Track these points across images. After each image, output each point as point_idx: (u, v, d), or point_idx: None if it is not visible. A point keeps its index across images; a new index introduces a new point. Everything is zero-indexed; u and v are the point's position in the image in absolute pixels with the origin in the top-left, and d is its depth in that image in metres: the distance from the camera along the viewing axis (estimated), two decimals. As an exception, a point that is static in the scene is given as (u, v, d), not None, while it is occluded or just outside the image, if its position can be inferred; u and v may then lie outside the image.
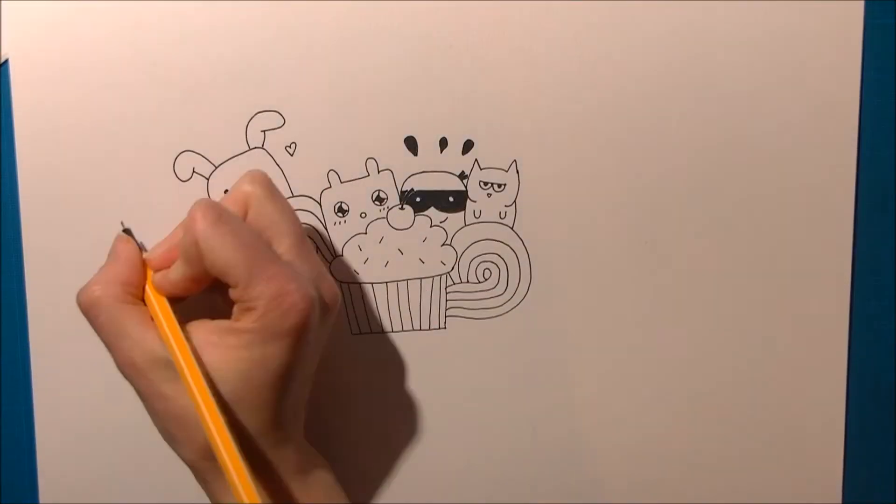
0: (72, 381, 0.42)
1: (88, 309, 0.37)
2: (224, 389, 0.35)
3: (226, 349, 0.35)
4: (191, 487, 0.43)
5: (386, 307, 0.43)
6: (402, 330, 0.43)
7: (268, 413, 0.36)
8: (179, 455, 0.37)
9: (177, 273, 0.37)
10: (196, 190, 0.41)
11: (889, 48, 0.41)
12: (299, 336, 0.35)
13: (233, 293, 0.35)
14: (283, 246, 0.37)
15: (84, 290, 0.37)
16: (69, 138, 0.41)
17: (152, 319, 0.36)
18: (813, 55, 0.41)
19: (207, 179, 0.41)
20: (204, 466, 0.36)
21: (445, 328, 0.43)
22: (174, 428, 0.36)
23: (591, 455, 0.44)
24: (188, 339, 0.35)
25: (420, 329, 0.43)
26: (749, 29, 0.41)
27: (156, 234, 0.40)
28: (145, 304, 0.37)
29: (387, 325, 0.43)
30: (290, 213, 0.38)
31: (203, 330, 0.36)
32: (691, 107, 0.42)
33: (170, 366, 0.35)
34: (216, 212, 0.35)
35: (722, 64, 0.42)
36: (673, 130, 0.42)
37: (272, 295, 0.34)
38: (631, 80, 0.42)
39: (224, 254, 0.35)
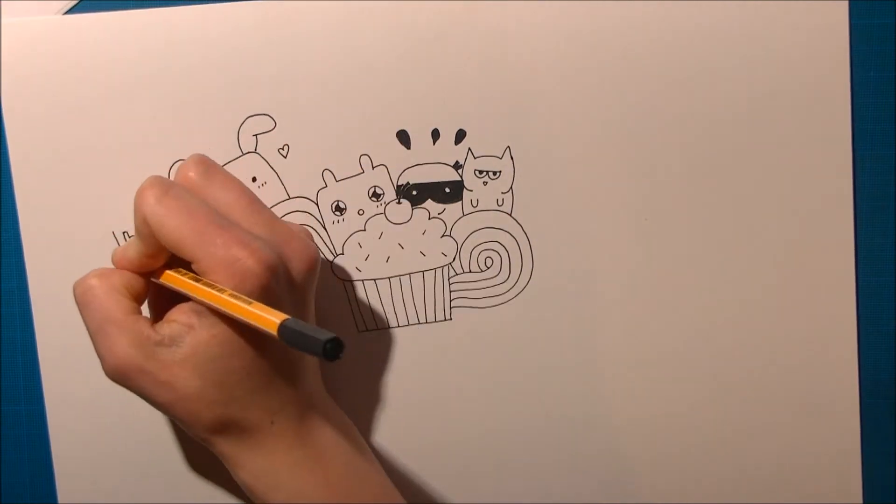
0: (81, 381, 0.43)
1: (81, 294, 0.36)
2: (212, 367, 0.35)
3: (202, 329, 0.35)
4: (206, 484, 0.44)
5: (390, 302, 0.43)
6: (409, 324, 0.43)
7: (256, 378, 0.36)
8: (192, 436, 0.37)
9: (133, 250, 0.37)
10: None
11: (876, 47, 0.41)
12: (261, 300, 0.34)
13: (193, 267, 0.35)
14: (239, 222, 0.37)
15: (80, 279, 0.37)
16: (62, 152, 0.41)
17: (140, 313, 0.36)
18: (801, 55, 0.41)
19: (203, 187, 0.41)
20: (217, 441, 0.37)
21: (451, 319, 0.43)
22: (180, 412, 0.36)
23: (605, 438, 0.44)
24: (173, 321, 0.36)
25: (426, 322, 0.43)
26: (735, 28, 0.41)
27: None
28: (138, 303, 0.37)
29: (392, 321, 0.43)
30: (236, 186, 0.38)
31: (182, 313, 0.36)
32: (682, 99, 0.42)
33: (161, 348, 0.35)
34: (163, 187, 0.35)
35: (712, 61, 0.41)
36: (665, 124, 0.42)
37: (225, 263, 0.34)
38: (621, 70, 0.41)
39: (173, 228, 0.35)
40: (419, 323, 0.43)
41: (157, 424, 0.43)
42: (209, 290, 0.34)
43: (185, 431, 0.38)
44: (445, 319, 0.43)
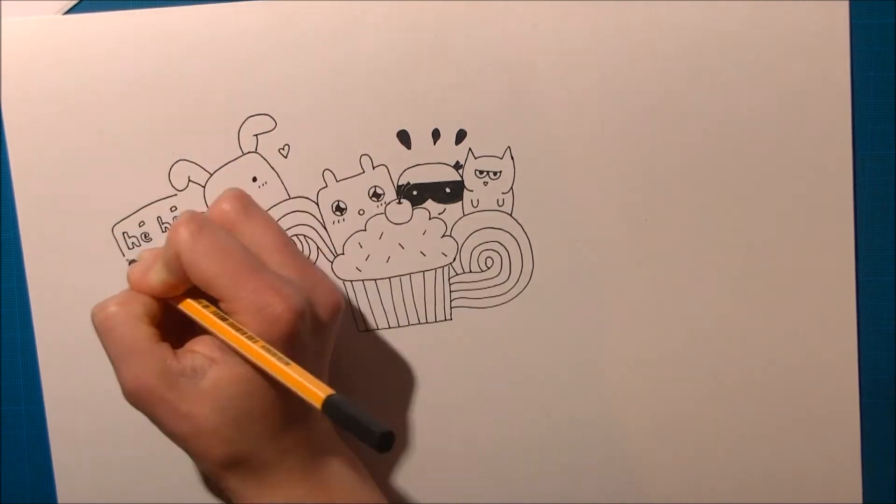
0: (81, 381, 0.43)
1: (102, 322, 0.36)
2: (231, 405, 0.35)
3: (225, 366, 0.35)
4: (206, 484, 0.44)
5: (391, 303, 0.43)
6: (409, 324, 0.43)
7: (272, 418, 0.36)
8: (200, 468, 0.37)
9: (156, 277, 0.37)
10: (193, 199, 0.41)
11: (876, 47, 0.41)
12: (287, 345, 0.35)
13: (221, 305, 0.36)
14: (270, 262, 0.37)
15: (100, 305, 0.37)
16: (62, 152, 0.41)
17: (164, 341, 0.36)
18: (801, 55, 0.41)
19: (204, 187, 0.41)
20: (226, 476, 0.37)
21: (451, 319, 0.43)
22: (195, 445, 0.36)
23: (605, 437, 0.44)
24: (197, 353, 0.36)
25: (426, 322, 0.43)
26: (735, 28, 0.41)
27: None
28: (158, 329, 0.37)
29: (393, 321, 0.43)
30: (272, 227, 0.38)
31: (205, 346, 0.36)
32: (682, 99, 0.42)
33: (183, 378, 0.35)
34: (198, 223, 0.35)
35: (712, 61, 0.41)
36: (666, 124, 0.42)
37: (256, 308, 0.34)
38: (621, 70, 0.41)
39: (206, 268, 0.35)
40: (419, 323, 0.43)
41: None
42: (239, 335, 0.34)
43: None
44: (445, 319, 0.43)
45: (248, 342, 0.34)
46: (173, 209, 0.42)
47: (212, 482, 0.43)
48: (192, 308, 0.37)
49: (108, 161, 0.41)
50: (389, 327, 0.43)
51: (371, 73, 0.41)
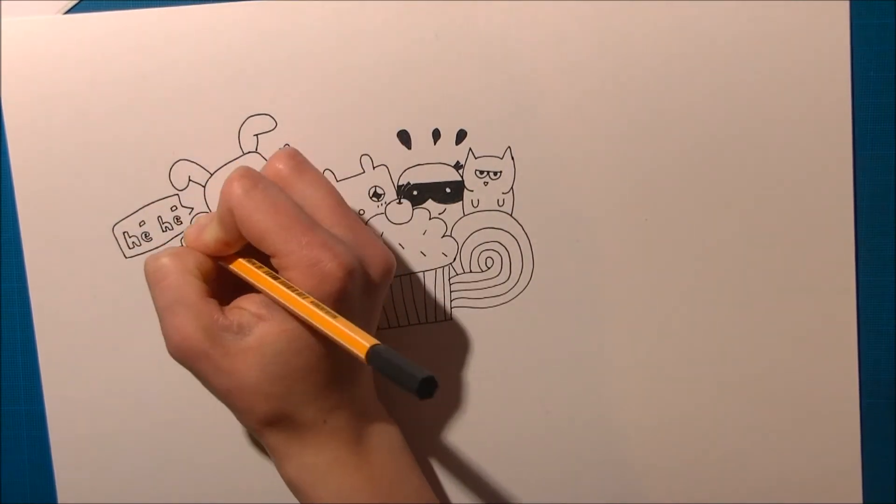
0: (81, 381, 0.43)
1: (153, 272, 0.36)
2: (276, 361, 0.35)
3: (273, 322, 0.35)
4: (206, 484, 0.44)
5: (391, 302, 0.43)
6: (409, 324, 0.43)
7: (317, 377, 0.36)
8: (243, 424, 0.37)
9: (211, 234, 0.37)
10: (193, 199, 0.41)
11: (876, 47, 0.41)
12: (337, 302, 0.35)
13: (272, 261, 0.35)
14: (322, 220, 0.37)
15: (153, 256, 0.37)
16: (62, 152, 0.41)
17: (210, 296, 0.36)
18: (801, 55, 0.41)
19: (204, 187, 0.42)
20: (268, 433, 0.37)
21: (452, 319, 0.43)
22: (236, 401, 0.36)
23: (605, 437, 0.44)
24: (244, 309, 0.36)
25: (426, 322, 0.43)
26: (736, 28, 0.41)
27: (156, 248, 0.41)
28: (209, 285, 0.37)
29: (393, 321, 0.43)
30: (325, 186, 0.38)
31: (253, 303, 0.36)
32: (682, 99, 0.42)
33: (227, 334, 0.35)
34: (252, 179, 0.35)
35: (712, 61, 0.41)
36: (666, 124, 0.42)
37: (307, 263, 0.34)
38: (621, 70, 0.41)
39: (259, 222, 0.35)
40: (419, 323, 0.43)
41: (156, 425, 0.43)
42: (289, 291, 0.34)
43: (238, 421, 0.38)
44: (445, 319, 0.43)
45: (298, 297, 0.34)
46: (174, 209, 0.42)
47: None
48: (242, 267, 0.37)
49: (108, 161, 0.41)
50: (389, 327, 0.43)
51: (371, 73, 0.41)
